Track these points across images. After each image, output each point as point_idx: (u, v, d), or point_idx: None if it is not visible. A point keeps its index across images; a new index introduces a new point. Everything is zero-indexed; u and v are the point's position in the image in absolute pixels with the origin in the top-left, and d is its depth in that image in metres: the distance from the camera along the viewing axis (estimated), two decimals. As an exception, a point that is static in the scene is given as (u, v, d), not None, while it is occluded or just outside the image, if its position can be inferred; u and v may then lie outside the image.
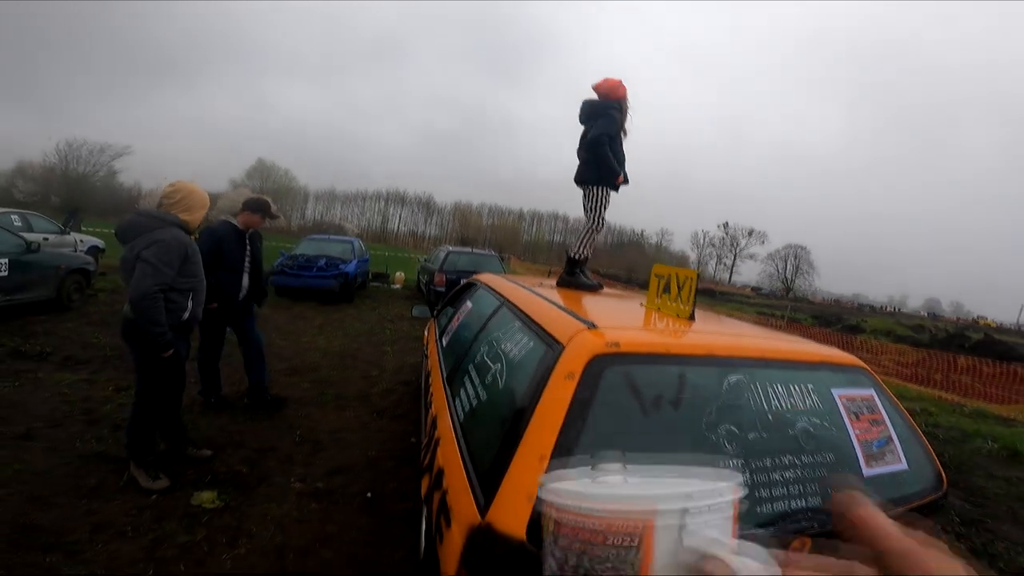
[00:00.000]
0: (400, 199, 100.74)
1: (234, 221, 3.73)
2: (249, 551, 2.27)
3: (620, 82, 3.41)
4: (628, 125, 3.47)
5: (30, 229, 9.76)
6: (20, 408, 3.45)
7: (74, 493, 2.54)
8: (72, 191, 54.96)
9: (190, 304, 2.71)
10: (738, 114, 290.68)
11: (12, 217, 10.05)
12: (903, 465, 1.69)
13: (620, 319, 1.89)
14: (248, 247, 3.83)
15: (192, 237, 2.78)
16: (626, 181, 3.45)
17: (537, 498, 0.35)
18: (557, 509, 0.33)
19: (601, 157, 3.31)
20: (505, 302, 2.27)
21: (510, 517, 1.12)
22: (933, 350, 11.48)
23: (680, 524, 0.30)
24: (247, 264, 3.82)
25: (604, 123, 3.33)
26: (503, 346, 1.85)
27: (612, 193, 3.43)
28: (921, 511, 1.62)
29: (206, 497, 2.60)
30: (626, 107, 3.45)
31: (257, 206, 3.74)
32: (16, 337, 5.06)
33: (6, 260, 5.57)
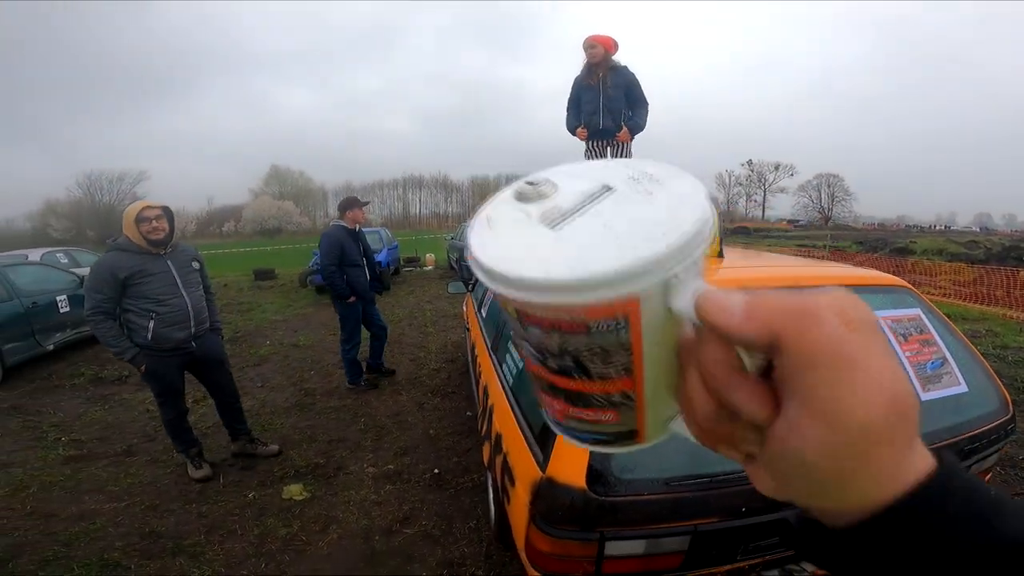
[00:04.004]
0: (417, 183, 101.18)
1: (343, 223, 4.12)
2: (340, 536, 2.51)
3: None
4: (598, 74, 3.79)
5: (77, 264, 10.25)
6: (116, 428, 3.83)
7: (183, 499, 2.84)
8: (104, 222, 57.12)
9: (151, 326, 2.67)
10: (753, 47, 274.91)
11: (57, 255, 10.55)
12: (962, 387, 1.64)
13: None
14: (359, 243, 4.24)
15: (156, 252, 2.69)
16: (588, 128, 3.87)
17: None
18: (513, 301, 0.25)
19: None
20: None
21: (569, 468, 1.25)
22: (990, 266, 10.76)
23: (664, 289, 0.24)
24: (363, 258, 4.23)
25: None
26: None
27: (594, 143, 3.94)
28: (988, 437, 1.56)
29: (295, 490, 2.87)
30: (586, 61, 3.82)
31: (349, 203, 4.17)
32: (93, 365, 5.51)
33: (65, 297, 5.96)
